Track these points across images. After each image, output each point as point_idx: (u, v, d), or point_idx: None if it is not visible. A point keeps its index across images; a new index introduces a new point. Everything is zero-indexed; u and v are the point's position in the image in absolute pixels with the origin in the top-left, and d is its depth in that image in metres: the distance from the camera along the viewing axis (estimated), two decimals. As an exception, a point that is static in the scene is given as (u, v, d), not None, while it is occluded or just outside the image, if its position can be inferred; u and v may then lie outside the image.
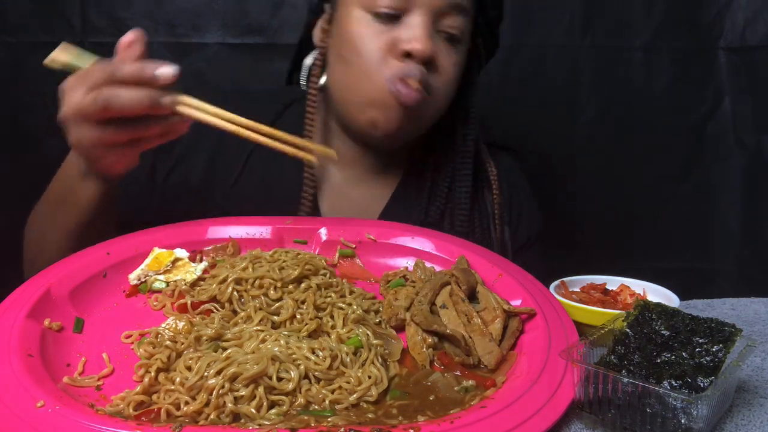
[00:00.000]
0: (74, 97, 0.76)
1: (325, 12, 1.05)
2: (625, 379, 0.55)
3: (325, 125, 1.10)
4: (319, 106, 1.07)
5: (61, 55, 0.81)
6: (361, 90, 0.97)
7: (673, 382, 0.56)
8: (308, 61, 1.08)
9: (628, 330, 0.62)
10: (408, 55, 0.94)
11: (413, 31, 0.94)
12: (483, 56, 1.12)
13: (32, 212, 0.99)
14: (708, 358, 0.58)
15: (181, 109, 0.77)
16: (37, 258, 0.93)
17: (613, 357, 0.60)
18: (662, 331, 0.61)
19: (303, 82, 1.09)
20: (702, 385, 0.55)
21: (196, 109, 0.78)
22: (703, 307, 0.89)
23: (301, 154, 0.83)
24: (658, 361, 0.58)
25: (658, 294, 0.83)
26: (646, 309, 0.63)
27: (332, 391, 0.60)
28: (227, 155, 1.07)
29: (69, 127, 0.79)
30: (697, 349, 0.59)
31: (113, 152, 0.80)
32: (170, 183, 1.07)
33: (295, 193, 1.04)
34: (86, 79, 0.75)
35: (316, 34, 1.07)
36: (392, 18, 0.95)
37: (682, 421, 0.53)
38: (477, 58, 1.10)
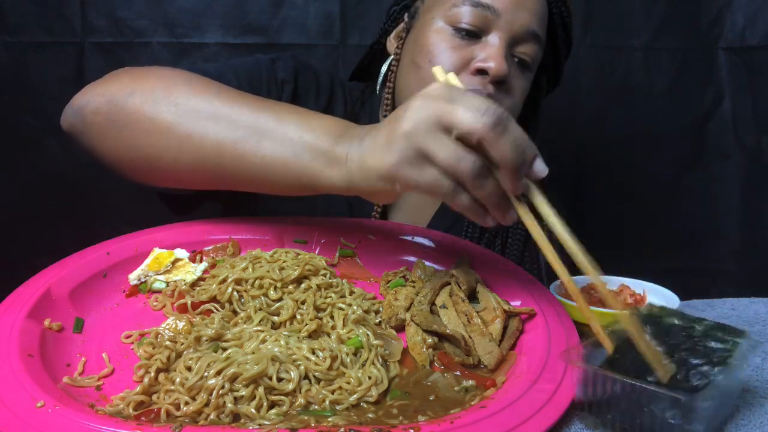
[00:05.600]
0: (453, 104, 0.58)
1: (403, 21, 1.07)
2: (626, 380, 0.55)
3: None
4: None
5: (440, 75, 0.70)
6: None
7: (674, 381, 0.56)
8: (384, 68, 1.10)
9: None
10: (481, 72, 0.95)
11: (490, 50, 0.95)
12: (545, 89, 1.14)
13: (178, 82, 0.73)
14: (711, 359, 0.57)
15: (529, 202, 0.63)
16: (120, 128, 0.71)
17: (615, 357, 0.59)
18: (664, 333, 0.61)
19: (378, 87, 1.10)
20: (700, 385, 0.55)
21: (536, 213, 0.62)
22: (703, 307, 0.89)
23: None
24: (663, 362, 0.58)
25: (658, 294, 0.83)
26: (647, 312, 0.63)
27: (332, 392, 0.60)
28: None
29: (415, 113, 0.59)
30: (700, 350, 0.58)
31: (427, 175, 0.59)
32: None
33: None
34: (474, 99, 0.59)
35: (391, 42, 1.09)
36: (471, 35, 0.97)
37: (683, 422, 0.53)
38: (539, 89, 1.11)
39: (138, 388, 0.60)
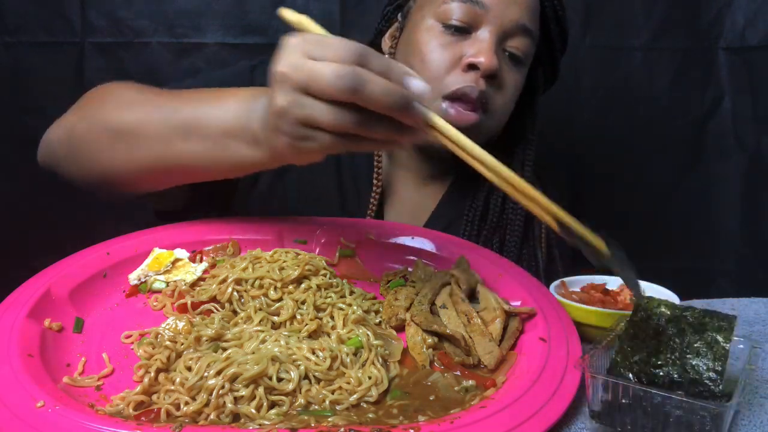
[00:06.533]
0: (309, 61, 0.58)
1: (397, 20, 1.08)
2: (650, 390, 0.55)
3: None
4: None
5: (292, 15, 0.66)
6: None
7: (678, 384, 0.55)
8: None
9: (632, 331, 0.61)
10: (472, 67, 0.96)
11: (480, 45, 0.96)
12: (541, 85, 1.14)
13: (110, 100, 0.80)
14: (713, 352, 0.57)
15: (430, 125, 0.63)
16: (77, 152, 0.77)
17: (625, 362, 0.59)
18: (667, 330, 0.60)
19: None
20: (716, 388, 0.55)
21: (441, 132, 0.64)
22: (703, 307, 0.89)
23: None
24: (665, 363, 0.58)
25: (658, 294, 0.83)
26: (646, 307, 0.63)
27: (332, 392, 0.60)
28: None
29: (281, 89, 0.60)
30: (701, 346, 0.58)
31: (320, 140, 0.61)
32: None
33: (364, 196, 1.06)
34: (328, 45, 0.59)
35: (386, 42, 1.10)
36: (461, 31, 0.97)
37: (707, 428, 0.53)
38: (535, 85, 1.11)
39: (138, 388, 0.60)
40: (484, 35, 0.96)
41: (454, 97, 0.96)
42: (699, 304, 0.90)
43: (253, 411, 0.57)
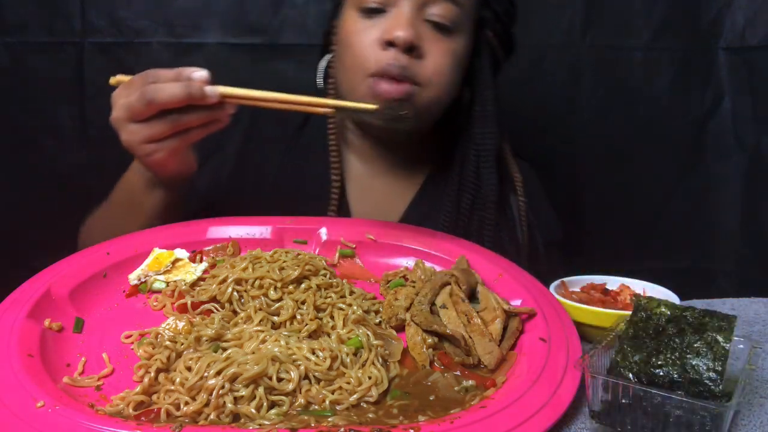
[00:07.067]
0: (122, 100, 0.81)
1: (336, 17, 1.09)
2: (650, 390, 0.55)
3: (342, 123, 1.14)
4: None
5: (113, 79, 0.87)
6: (353, 86, 1.01)
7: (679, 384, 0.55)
8: (322, 64, 1.12)
9: (632, 331, 0.61)
10: (390, 44, 0.96)
11: (394, 20, 0.97)
12: (499, 53, 1.13)
13: (90, 218, 1.03)
14: (713, 352, 0.57)
15: (223, 97, 0.80)
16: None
17: (625, 362, 0.59)
18: (668, 330, 0.60)
19: (319, 83, 1.12)
20: (716, 388, 0.55)
21: (236, 96, 0.81)
22: (703, 307, 0.89)
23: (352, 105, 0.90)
24: (665, 363, 0.58)
25: (658, 294, 0.83)
26: (646, 307, 0.63)
27: (332, 392, 0.60)
28: (257, 156, 1.13)
29: (120, 129, 0.83)
30: (701, 346, 0.58)
31: (162, 147, 0.82)
32: (206, 184, 1.10)
33: (324, 192, 1.08)
34: (131, 83, 0.81)
35: (330, 40, 1.12)
36: (378, 12, 0.98)
37: (707, 428, 0.53)
38: (490, 54, 1.11)
39: (138, 388, 0.60)
40: (400, 9, 0.97)
41: (378, 75, 0.97)
42: (699, 304, 0.90)
43: (253, 411, 0.57)
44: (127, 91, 0.81)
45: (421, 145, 1.13)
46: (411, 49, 0.96)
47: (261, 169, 1.12)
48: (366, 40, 0.98)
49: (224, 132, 1.07)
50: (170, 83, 0.78)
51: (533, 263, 0.94)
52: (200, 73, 0.80)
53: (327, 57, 1.11)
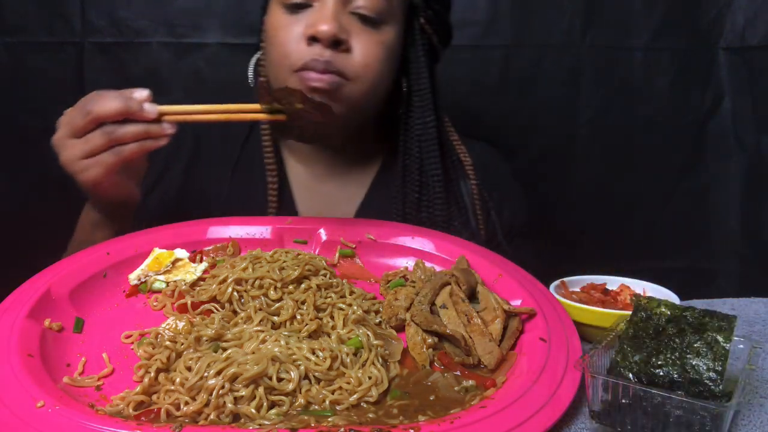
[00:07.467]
0: (64, 120, 0.84)
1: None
2: (650, 390, 0.55)
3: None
4: None
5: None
6: (281, 83, 0.97)
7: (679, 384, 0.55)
8: (252, 60, 1.10)
9: (632, 331, 0.61)
10: (314, 39, 0.94)
11: (316, 14, 0.94)
12: (435, 40, 1.09)
13: (64, 255, 1.03)
14: (713, 352, 0.57)
15: (161, 114, 0.82)
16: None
17: (625, 362, 0.59)
18: (668, 330, 0.60)
19: (250, 80, 1.09)
20: (716, 388, 0.55)
21: (174, 112, 0.83)
22: (703, 307, 0.89)
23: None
24: (665, 363, 0.58)
25: (658, 294, 0.83)
26: (646, 307, 0.63)
27: (332, 392, 0.60)
28: (204, 175, 1.11)
29: (60, 148, 0.84)
30: (701, 346, 0.58)
31: (97, 162, 0.82)
32: (154, 203, 1.09)
33: (262, 194, 1.07)
34: (75, 106, 0.83)
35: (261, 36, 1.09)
36: (302, 7, 0.96)
37: (707, 428, 0.53)
38: (425, 42, 1.07)
39: (138, 388, 0.60)
40: (323, 3, 0.95)
41: (303, 70, 0.95)
42: (699, 304, 0.90)
43: (253, 411, 0.57)
44: (71, 114, 0.83)
45: (363, 144, 1.12)
46: (336, 44, 0.94)
47: (209, 188, 1.10)
48: (290, 36, 0.96)
49: (169, 155, 1.09)
50: (108, 101, 0.80)
51: (495, 251, 0.91)
52: (141, 93, 0.81)
53: (257, 54, 1.09)
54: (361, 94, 0.99)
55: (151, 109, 0.81)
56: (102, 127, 0.80)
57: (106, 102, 0.80)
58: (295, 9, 0.97)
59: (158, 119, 0.81)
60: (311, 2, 0.96)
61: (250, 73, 1.09)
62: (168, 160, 1.11)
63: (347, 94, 0.96)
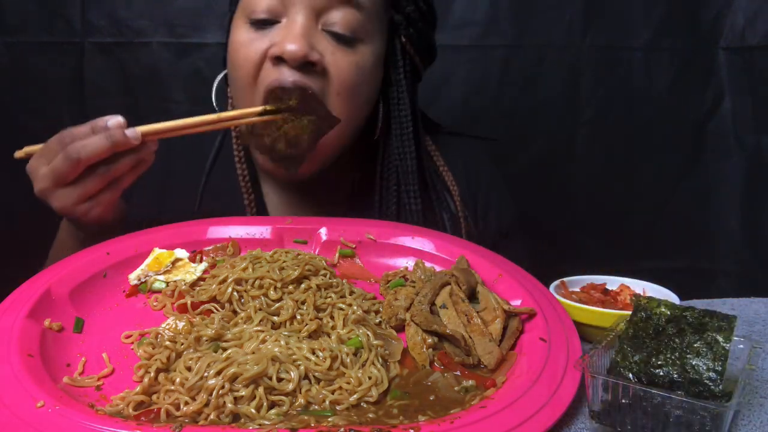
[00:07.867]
0: (43, 169, 0.80)
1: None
2: (650, 390, 0.55)
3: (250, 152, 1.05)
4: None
5: (19, 153, 0.89)
6: (245, 106, 0.91)
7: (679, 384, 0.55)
8: (217, 80, 1.03)
9: (632, 331, 0.61)
10: (280, 60, 0.87)
11: (284, 33, 0.87)
12: (416, 59, 1.01)
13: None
14: (713, 352, 0.57)
15: (144, 135, 0.81)
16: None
17: (625, 362, 0.59)
18: (668, 330, 0.60)
19: (213, 101, 1.02)
20: (716, 388, 0.55)
21: (155, 131, 0.82)
22: (703, 307, 0.89)
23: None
24: (665, 363, 0.58)
25: (658, 294, 0.83)
26: (646, 307, 0.63)
27: (332, 392, 0.60)
28: (175, 194, 1.07)
29: (49, 198, 0.82)
30: (701, 346, 0.58)
31: (99, 202, 0.82)
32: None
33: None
34: (47, 150, 0.81)
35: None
36: (269, 23, 0.89)
37: (707, 428, 0.53)
38: (407, 63, 1.00)
39: (138, 388, 0.60)
40: (292, 20, 0.87)
41: (268, 93, 0.88)
42: (699, 304, 0.90)
43: (253, 411, 0.57)
44: (44, 159, 0.80)
45: (338, 172, 1.02)
46: (306, 65, 0.87)
47: (180, 209, 1.03)
48: (253, 53, 0.88)
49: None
50: (91, 138, 0.77)
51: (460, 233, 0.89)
52: (115, 120, 0.79)
53: (222, 73, 1.01)
54: (343, 112, 0.92)
55: (134, 135, 0.79)
56: (94, 169, 0.79)
57: (90, 144, 0.77)
58: (260, 25, 0.89)
59: (142, 142, 0.81)
60: (279, 18, 0.88)
61: (214, 96, 1.02)
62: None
63: (320, 126, 0.90)
